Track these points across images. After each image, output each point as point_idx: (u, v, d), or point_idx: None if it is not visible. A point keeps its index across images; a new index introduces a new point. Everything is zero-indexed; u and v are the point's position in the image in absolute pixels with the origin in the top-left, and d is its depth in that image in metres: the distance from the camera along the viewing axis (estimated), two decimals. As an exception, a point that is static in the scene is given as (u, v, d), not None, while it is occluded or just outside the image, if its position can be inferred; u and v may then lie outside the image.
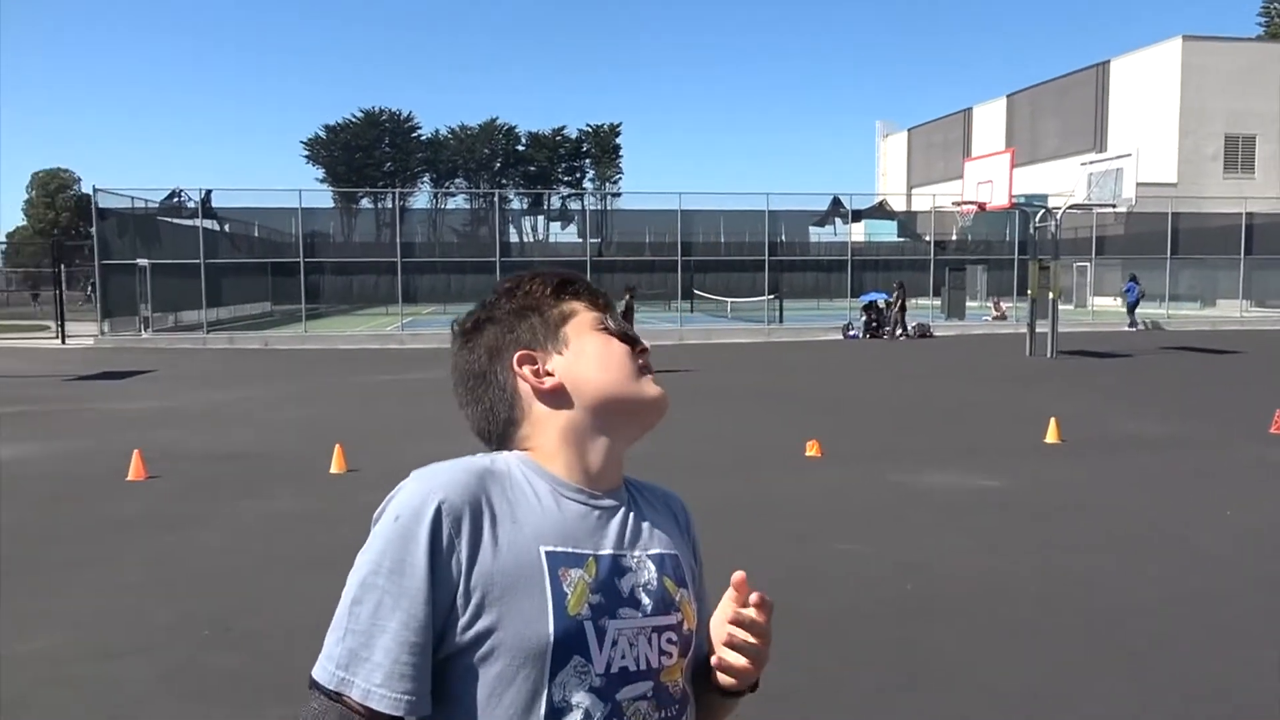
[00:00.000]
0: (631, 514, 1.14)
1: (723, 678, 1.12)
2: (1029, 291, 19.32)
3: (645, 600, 1.08)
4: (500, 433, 1.16)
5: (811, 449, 8.64)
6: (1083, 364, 17.52)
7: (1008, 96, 52.41)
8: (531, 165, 75.75)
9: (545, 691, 1.01)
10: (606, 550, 1.08)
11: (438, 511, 1.01)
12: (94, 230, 24.66)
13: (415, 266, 29.07)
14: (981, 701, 3.71)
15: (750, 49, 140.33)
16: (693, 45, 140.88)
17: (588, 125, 77.99)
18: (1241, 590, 4.93)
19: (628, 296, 16.26)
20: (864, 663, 4.08)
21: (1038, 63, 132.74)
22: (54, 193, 68.53)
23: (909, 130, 64.10)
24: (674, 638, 1.09)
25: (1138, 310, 27.25)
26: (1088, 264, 32.36)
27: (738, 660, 1.09)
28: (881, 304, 25.19)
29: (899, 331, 24.44)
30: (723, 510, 6.74)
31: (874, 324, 24.79)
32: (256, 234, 30.56)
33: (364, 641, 1.00)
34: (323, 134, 73.99)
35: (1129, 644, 4.25)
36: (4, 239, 58.54)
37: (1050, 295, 18.79)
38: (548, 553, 1.04)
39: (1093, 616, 4.58)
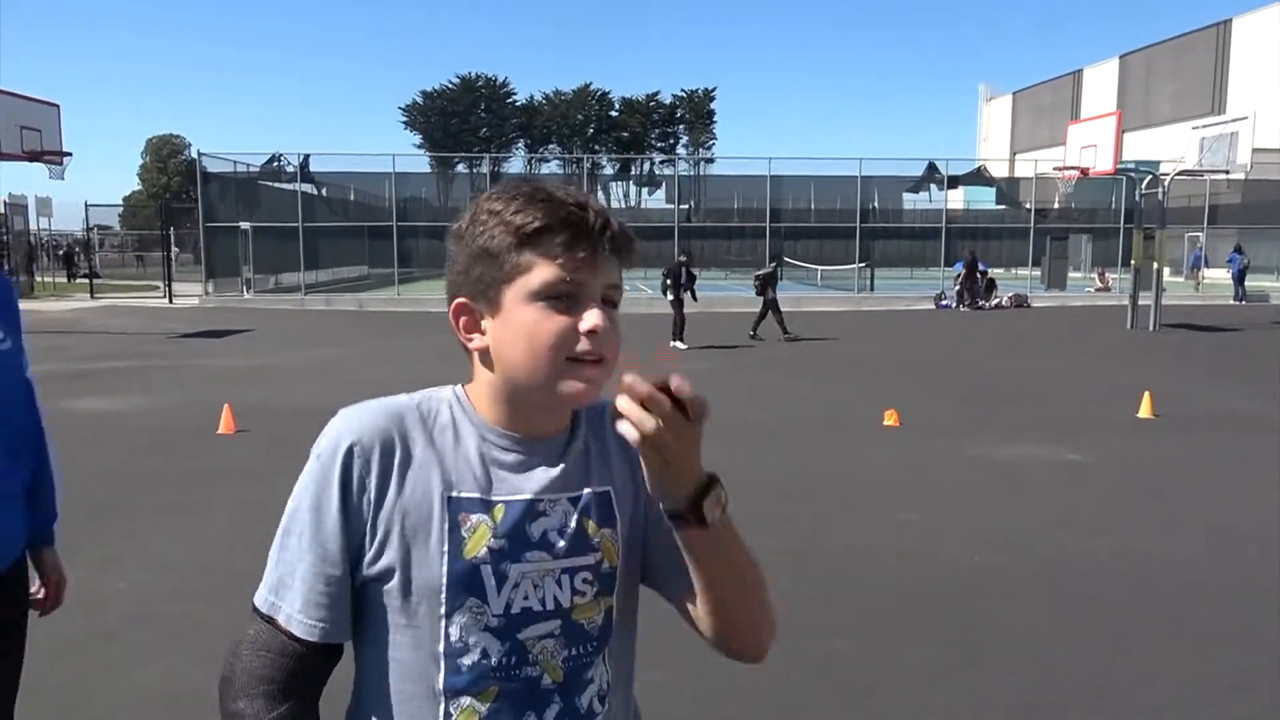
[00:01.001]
0: (561, 457, 1.11)
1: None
2: (1133, 261, 18.45)
3: (558, 542, 1.08)
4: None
5: (890, 418, 8.47)
6: (1187, 337, 16.69)
7: (1120, 57, 49.85)
8: (625, 131, 75.63)
9: (442, 628, 1.04)
10: (522, 495, 1.08)
11: (349, 451, 1.04)
12: (199, 194, 25.69)
13: (505, 231, 29.42)
14: (1045, 682, 3.60)
15: (849, 10, 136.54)
16: (789, 6, 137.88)
17: (682, 90, 77.42)
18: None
19: (774, 266, 15.81)
20: (925, 638, 4.00)
21: (1154, 21, 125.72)
22: (166, 158, 71.69)
23: (1014, 93, 61.65)
24: (589, 577, 1.09)
25: (1236, 283, 25.84)
26: (1200, 234, 30.67)
27: (628, 431, 0.94)
28: (979, 273, 24.43)
29: (967, 303, 23.69)
30: (792, 478, 6.68)
31: (974, 293, 24.08)
32: (353, 198, 31.38)
33: (289, 570, 1.06)
34: (420, 100, 75.31)
35: (1205, 632, 4.05)
36: (120, 203, 61.63)
37: (1155, 265, 17.90)
38: (449, 498, 1.05)
39: (1170, 602, 4.38)
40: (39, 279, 30.43)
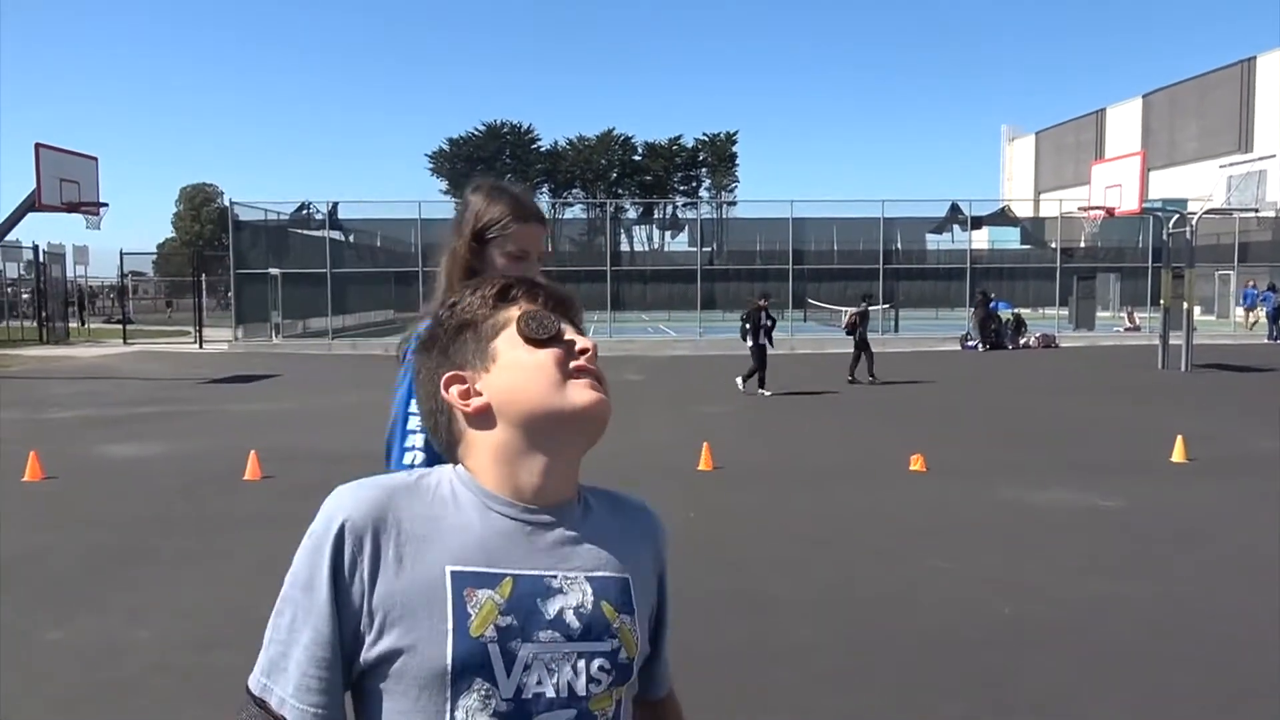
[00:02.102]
0: (575, 531, 1.08)
1: None
2: (1162, 301, 18.26)
3: (573, 623, 1.02)
4: (448, 449, 1.12)
5: (916, 463, 8.37)
6: (1219, 378, 16.43)
7: (1143, 96, 49.83)
8: (648, 175, 76.33)
9: (448, 713, 0.98)
10: (531, 570, 1.03)
11: (340, 530, 1.01)
12: (230, 241, 26.15)
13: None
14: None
15: (870, 54, 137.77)
16: (809, 50, 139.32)
17: (704, 134, 78.13)
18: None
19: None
20: (953, 690, 3.90)
21: (1177, 60, 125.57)
22: (199, 206, 73.11)
23: (1037, 133, 61.67)
24: (606, 665, 1.03)
25: (1270, 321, 25.50)
26: (1230, 272, 30.34)
27: None
28: (1003, 315, 24.27)
29: (987, 344, 23.43)
30: (814, 524, 6.60)
31: (994, 334, 23.89)
32: (379, 244, 31.80)
33: (282, 651, 1.02)
34: (446, 147, 76.55)
35: (1243, 684, 3.93)
36: (154, 250, 62.85)
37: (1185, 305, 17.70)
38: (454, 572, 1.00)
39: (1207, 652, 4.25)
40: (73, 325, 30.99)
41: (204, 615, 4.78)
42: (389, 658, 1.00)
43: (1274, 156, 16.48)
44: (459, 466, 1.10)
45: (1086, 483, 7.73)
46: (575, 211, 71.41)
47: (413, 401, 1.97)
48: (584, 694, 1.02)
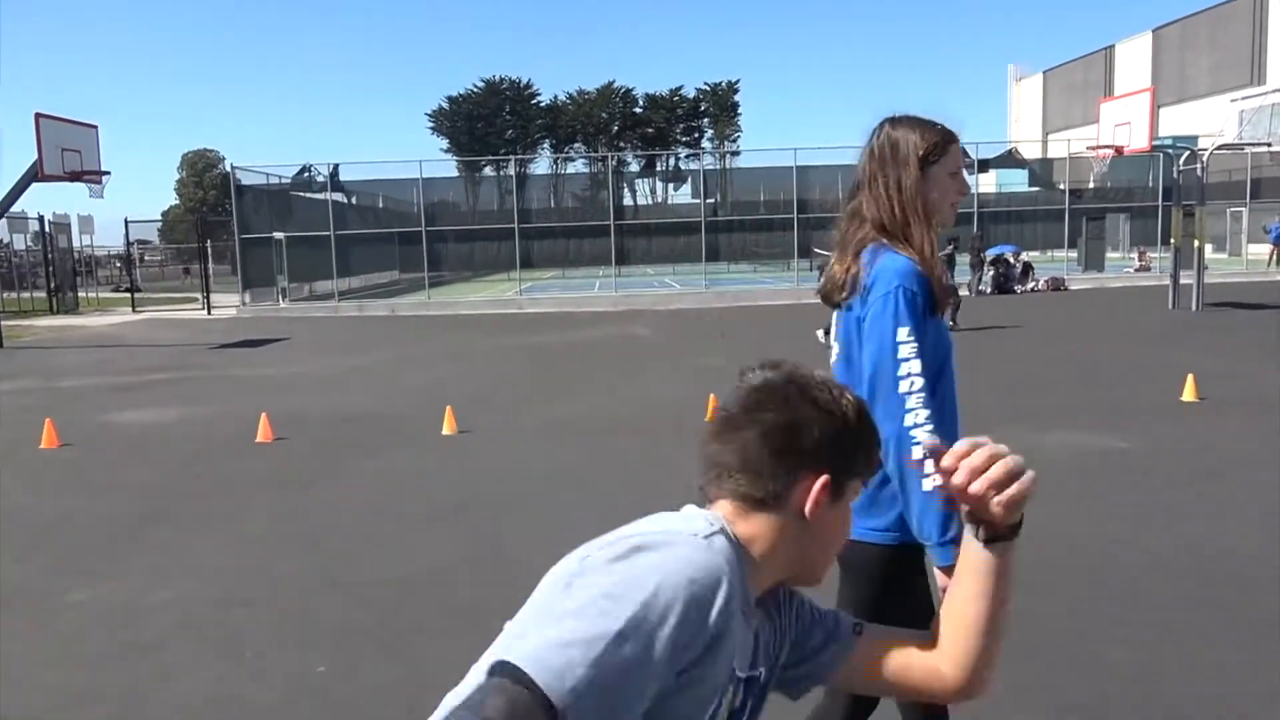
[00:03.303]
0: (762, 628, 1.19)
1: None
2: (1172, 240, 18.09)
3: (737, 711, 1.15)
4: (749, 500, 1.14)
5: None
6: (1231, 316, 16.33)
7: (1153, 31, 48.88)
8: (649, 127, 75.47)
9: None
10: (743, 672, 1.14)
11: (729, 596, 1.00)
12: (233, 207, 26.07)
13: (533, 232, 29.54)
14: (1093, 676, 3.53)
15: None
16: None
17: (705, 84, 77.08)
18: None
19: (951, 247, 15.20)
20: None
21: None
22: (201, 172, 72.83)
23: (1044, 72, 60.68)
24: None
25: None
26: (1242, 209, 29.99)
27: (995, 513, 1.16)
28: (1009, 257, 24.08)
29: (973, 290, 23.13)
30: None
31: (1003, 278, 23.74)
32: (382, 205, 31.66)
33: (611, 686, 0.92)
34: (445, 105, 75.77)
35: (1260, 621, 3.95)
36: (159, 217, 62.73)
37: (1196, 243, 17.53)
38: (740, 677, 1.11)
39: (1222, 591, 4.27)
40: (83, 294, 31.05)
41: (222, 575, 4.85)
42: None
43: (1286, 89, 16.22)
44: (736, 550, 1.08)
45: (1096, 424, 7.73)
46: (577, 166, 70.97)
47: (900, 330, 2.02)
48: None
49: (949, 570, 1.86)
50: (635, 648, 0.92)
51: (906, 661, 1.22)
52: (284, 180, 27.46)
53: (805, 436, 1.10)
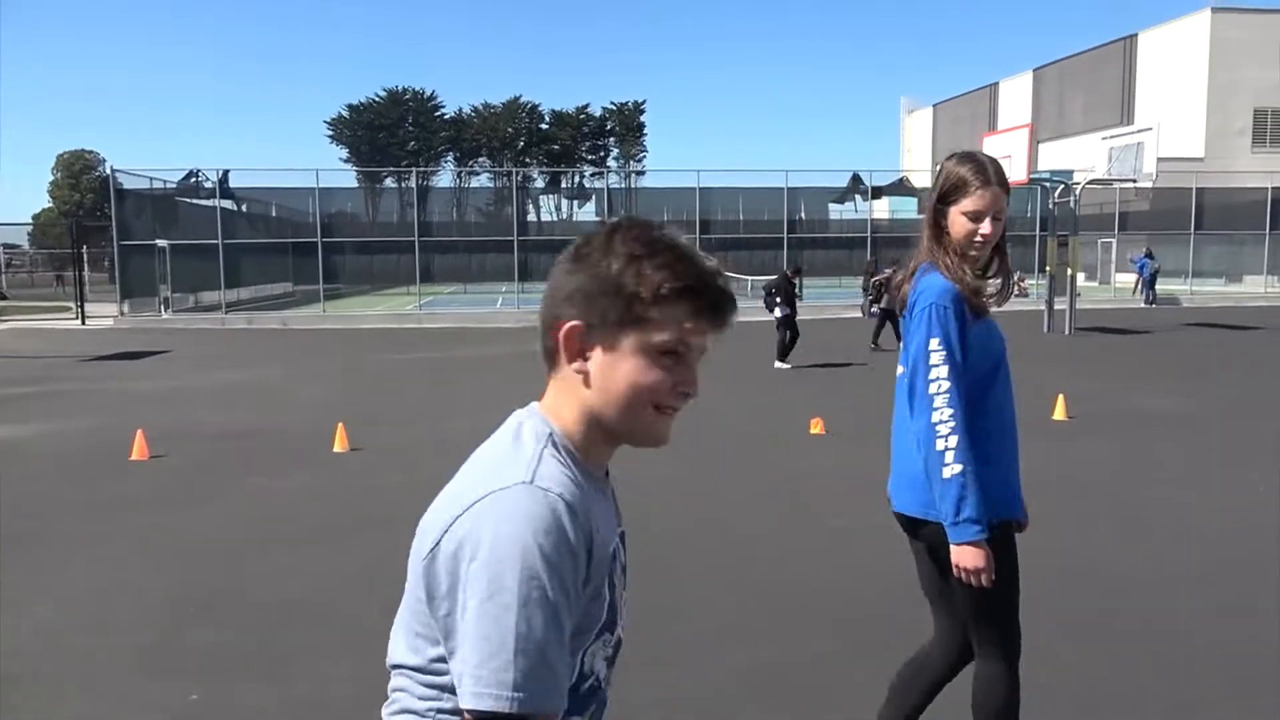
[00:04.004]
0: (611, 488, 1.24)
1: None
2: (1047, 268, 19.07)
3: (624, 575, 1.21)
4: (546, 354, 1.17)
5: (815, 427, 8.59)
6: (1100, 341, 17.29)
7: (1034, 71, 51.59)
8: (555, 144, 75.56)
9: (577, 662, 1.11)
10: (616, 532, 1.20)
11: (565, 512, 1.05)
12: (113, 211, 24.90)
13: (435, 246, 29.13)
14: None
15: (774, 26, 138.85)
16: (716, 22, 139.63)
17: (612, 103, 77.72)
18: (1248, 567, 4.84)
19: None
20: (856, 639, 4.05)
21: (1065, 36, 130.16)
22: (78, 174, 69.33)
23: (934, 106, 63.27)
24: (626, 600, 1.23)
25: (1145, 285, 27.01)
26: (1111, 240, 31.86)
27: None
28: (885, 276, 24.92)
29: (865, 313, 23.88)
30: (719, 488, 6.72)
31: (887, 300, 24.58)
32: (275, 214, 30.73)
33: (533, 656, 1.01)
34: (346, 114, 74.20)
35: (1126, 628, 4.18)
36: (30, 220, 59.34)
37: (1069, 272, 18.53)
38: (614, 549, 1.16)
39: (1092, 599, 4.51)
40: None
41: (87, 600, 4.60)
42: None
43: (1150, 129, 17.30)
44: (558, 439, 1.13)
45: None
46: (481, 181, 70.45)
47: (931, 340, 2.33)
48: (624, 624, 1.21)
49: (959, 547, 2.29)
50: (540, 616, 1.00)
51: None
52: (169, 185, 26.39)
53: (563, 288, 1.12)
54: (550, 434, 1.13)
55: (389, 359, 15.59)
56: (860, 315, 24.00)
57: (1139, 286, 28.70)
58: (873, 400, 10.77)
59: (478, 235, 30.52)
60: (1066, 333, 18.11)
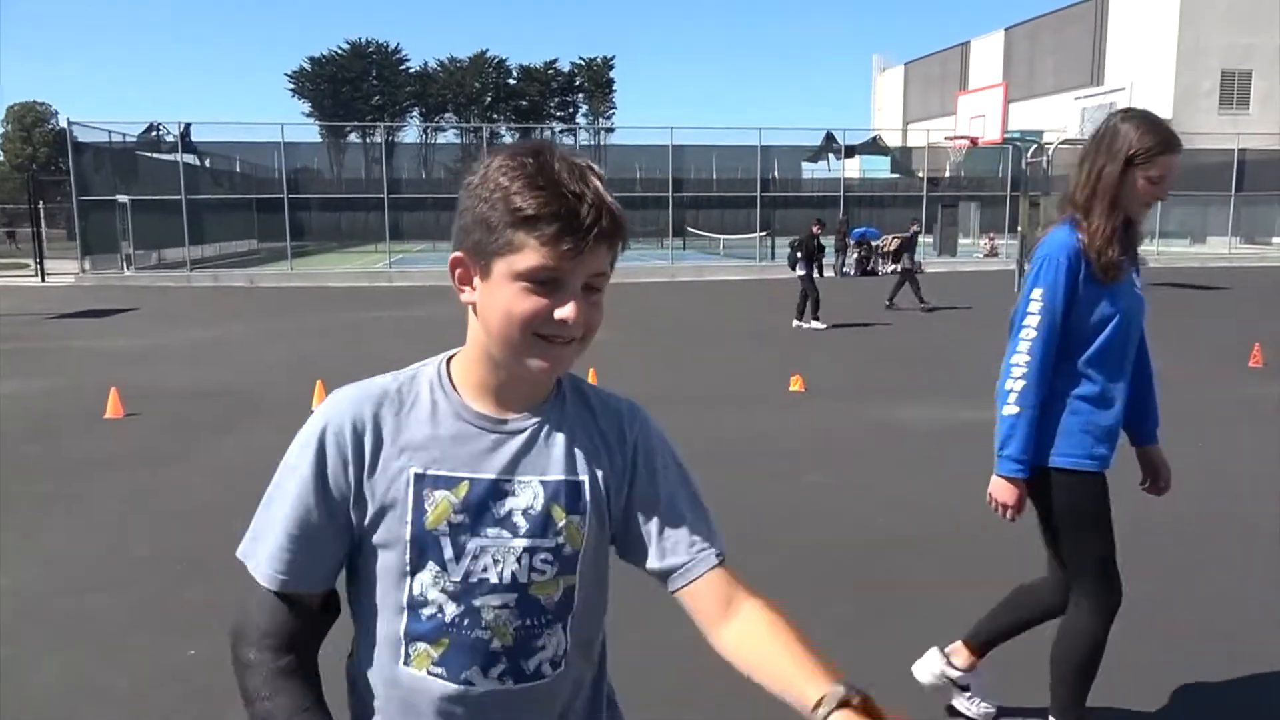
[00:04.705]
0: (538, 439, 1.18)
1: None
2: (1019, 228, 19.22)
3: (521, 523, 1.15)
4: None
5: (795, 384, 8.64)
6: (1071, 301, 17.48)
7: (1005, 30, 51.51)
8: (523, 99, 74.50)
9: (407, 583, 1.15)
10: (488, 474, 1.15)
11: (322, 435, 1.15)
12: (70, 165, 24.23)
13: (404, 203, 28.76)
14: (953, 628, 3.73)
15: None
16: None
17: (580, 58, 76.69)
18: (1206, 521, 4.96)
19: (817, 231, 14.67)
20: (835, 594, 4.10)
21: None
22: (30, 127, 67.29)
23: (905, 65, 63.09)
24: (549, 558, 1.17)
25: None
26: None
27: None
28: (875, 243, 25.01)
29: (837, 272, 23.92)
30: (702, 445, 6.75)
31: (865, 260, 24.66)
32: (239, 169, 30.10)
33: (264, 526, 1.18)
34: (307, 66, 72.53)
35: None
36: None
37: (1040, 231, 18.69)
38: (415, 474, 1.14)
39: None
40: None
41: (70, 560, 4.54)
42: (365, 535, 1.16)
43: (1123, 89, 17.40)
44: (444, 366, 1.21)
45: (952, 399, 8.16)
46: (449, 137, 69.40)
47: (1035, 290, 2.51)
48: (525, 581, 1.16)
49: (997, 477, 2.59)
50: (276, 490, 1.17)
51: (700, 597, 1.18)
52: (129, 139, 25.71)
53: (456, 221, 1.14)
54: (438, 363, 1.21)
55: (362, 317, 15.42)
56: (834, 274, 24.11)
57: None
58: (868, 359, 10.86)
59: (447, 192, 30.11)
60: (1036, 292, 18.29)
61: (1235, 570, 4.33)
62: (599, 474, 1.20)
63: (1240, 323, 13.68)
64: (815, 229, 14.58)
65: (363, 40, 72.74)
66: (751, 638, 1.14)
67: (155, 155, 26.24)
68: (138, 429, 7.28)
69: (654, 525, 1.21)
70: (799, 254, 14.09)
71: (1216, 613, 3.89)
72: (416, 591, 1.14)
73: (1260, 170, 30.28)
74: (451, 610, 1.14)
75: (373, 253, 29.26)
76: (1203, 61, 38.78)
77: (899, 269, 15.81)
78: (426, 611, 1.15)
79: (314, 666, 1.21)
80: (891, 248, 21.64)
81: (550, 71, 75.83)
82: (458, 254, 1.14)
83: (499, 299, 1.09)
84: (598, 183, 1.09)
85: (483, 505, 1.14)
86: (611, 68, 76.83)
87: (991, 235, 29.88)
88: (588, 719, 1.28)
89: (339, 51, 72.27)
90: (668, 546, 1.20)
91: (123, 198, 24.08)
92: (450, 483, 1.14)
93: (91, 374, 9.60)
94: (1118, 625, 2.74)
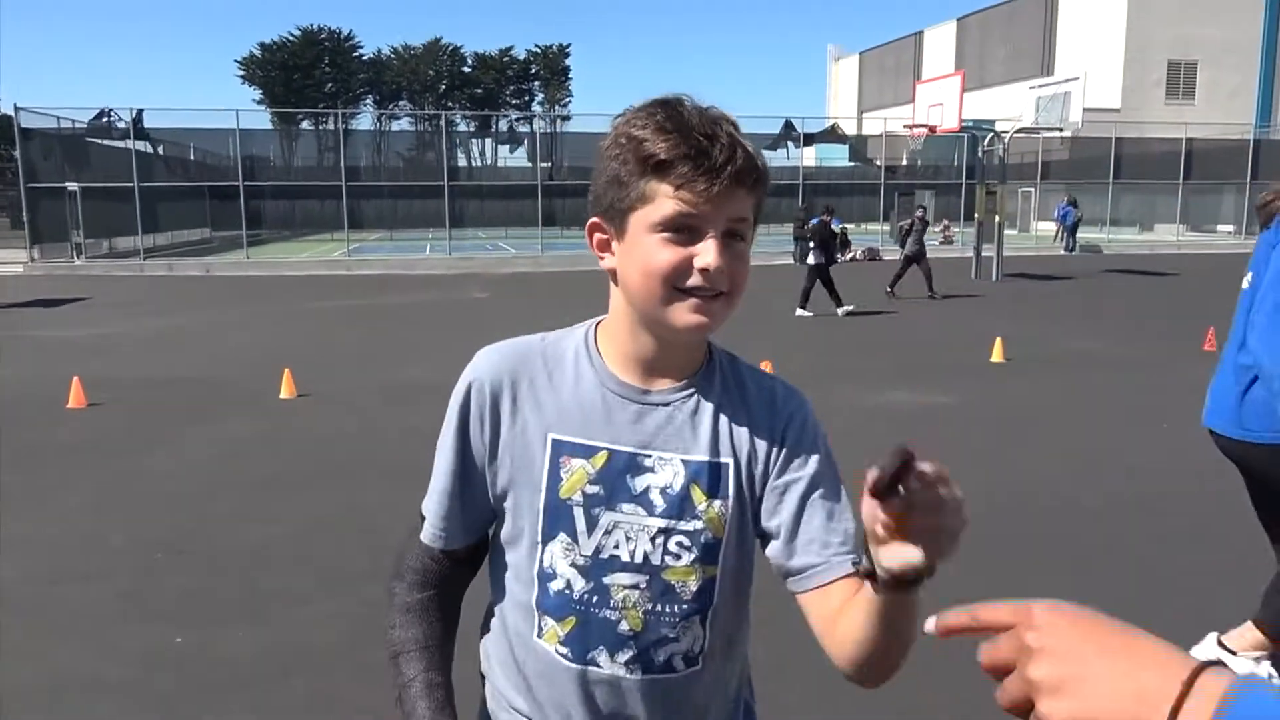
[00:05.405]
0: (685, 413, 1.12)
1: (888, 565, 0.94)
2: (976, 215, 19.52)
3: (658, 502, 1.10)
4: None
5: (763, 368, 8.71)
6: (1026, 286, 17.85)
7: (958, 20, 52.13)
8: (478, 87, 73.77)
9: (539, 553, 1.13)
10: (627, 447, 1.11)
11: (468, 391, 1.15)
12: (18, 153, 23.56)
13: (360, 191, 28.37)
14: (928, 604, 3.83)
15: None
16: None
17: (536, 46, 76.12)
18: (1176, 496, 5.13)
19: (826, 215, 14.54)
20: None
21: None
22: (-29, 113, 65.18)
23: (860, 54, 63.58)
24: (686, 542, 1.10)
25: (1067, 233, 27.88)
26: (1032, 189, 32.74)
27: (895, 560, 0.92)
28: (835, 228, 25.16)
29: (797, 260, 24.08)
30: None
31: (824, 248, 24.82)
32: (192, 157, 29.48)
33: (433, 485, 1.19)
34: (258, 53, 71.10)
35: (1075, 549, 4.41)
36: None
37: (996, 219, 19.01)
38: (554, 440, 1.11)
39: (1042, 524, 4.74)
40: None
41: (45, 550, 4.46)
42: (502, 497, 1.15)
43: (1077, 79, 17.73)
44: (592, 330, 1.17)
45: (919, 383, 8.31)
46: (403, 124, 68.45)
47: None
48: (659, 564, 1.11)
49: None
50: (439, 449, 1.17)
51: (824, 604, 1.08)
52: (78, 125, 25.05)
53: (590, 191, 1.11)
54: (587, 328, 1.17)
55: (322, 306, 15.23)
56: (793, 262, 24.27)
57: (1060, 234, 29.61)
58: (816, 343, 10.98)
59: (404, 180, 29.81)
60: (993, 279, 18.63)
61: (1205, 543, 4.48)
62: (744, 458, 1.12)
63: (1191, 307, 14.06)
64: (825, 216, 14.65)
65: (315, 26, 71.49)
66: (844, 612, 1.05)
67: (106, 142, 25.61)
68: (102, 419, 7.15)
69: (789, 516, 1.11)
70: (811, 243, 14.04)
71: (1188, 585, 4.03)
72: (547, 563, 1.12)
73: (1206, 160, 31.07)
74: (580, 586, 1.10)
75: (329, 241, 28.87)
76: (1150, 53, 39.63)
77: (903, 256, 15.82)
78: (555, 585, 1.11)
79: (453, 608, 1.21)
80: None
81: (506, 59, 75.19)
82: (593, 220, 1.11)
83: (637, 255, 1.05)
84: (731, 128, 1.04)
85: (619, 478, 1.09)
86: (567, 55, 76.42)
87: (947, 223, 30.29)
88: None
89: (290, 38, 70.95)
90: (800, 544, 1.10)
91: (73, 185, 23.47)
92: (588, 451, 1.10)
93: (48, 364, 9.38)
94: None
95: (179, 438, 6.57)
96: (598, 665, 1.11)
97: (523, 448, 1.12)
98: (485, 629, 1.23)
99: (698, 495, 1.10)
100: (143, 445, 6.37)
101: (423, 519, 1.19)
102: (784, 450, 1.13)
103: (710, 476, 1.11)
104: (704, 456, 1.11)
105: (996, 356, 9.40)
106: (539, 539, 1.12)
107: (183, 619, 3.69)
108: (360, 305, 15.22)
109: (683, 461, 1.10)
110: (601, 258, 1.12)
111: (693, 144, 1.01)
